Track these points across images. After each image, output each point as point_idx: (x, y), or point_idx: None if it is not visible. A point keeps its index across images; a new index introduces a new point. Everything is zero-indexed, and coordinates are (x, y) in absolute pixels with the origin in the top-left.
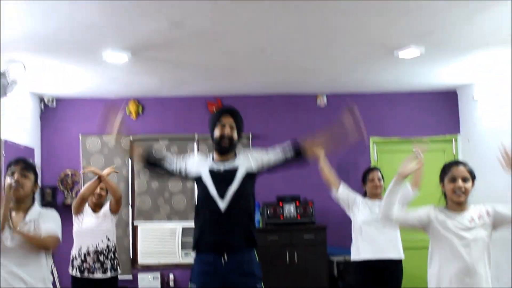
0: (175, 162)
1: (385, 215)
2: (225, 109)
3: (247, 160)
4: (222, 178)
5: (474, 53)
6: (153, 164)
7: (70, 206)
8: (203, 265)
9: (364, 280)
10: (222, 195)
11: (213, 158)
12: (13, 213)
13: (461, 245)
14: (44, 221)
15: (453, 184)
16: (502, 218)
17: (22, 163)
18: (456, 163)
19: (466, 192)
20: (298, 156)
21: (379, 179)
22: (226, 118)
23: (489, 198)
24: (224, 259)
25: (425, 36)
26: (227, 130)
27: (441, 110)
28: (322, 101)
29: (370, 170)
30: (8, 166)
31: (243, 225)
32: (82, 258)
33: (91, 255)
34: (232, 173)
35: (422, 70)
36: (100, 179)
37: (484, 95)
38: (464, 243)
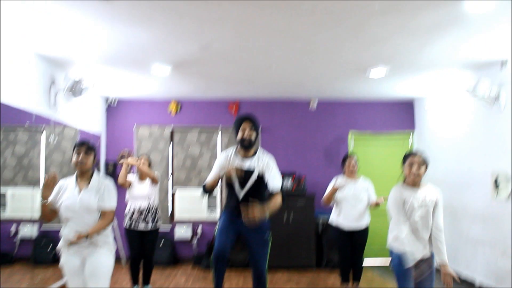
0: (216, 173)
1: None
2: (245, 116)
3: (261, 163)
4: (243, 175)
5: (425, 73)
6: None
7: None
8: (227, 217)
9: (339, 241)
10: (242, 187)
11: (237, 150)
12: (79, 181)
13: (418, 214)
14: (105, 194)
15: (410, 169)
16: (435, 212)
17: (85, 145)
18: (414, 153)
19: (419, 176)
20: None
21: (355, 162)
22: (246, 123)
23: (434, 179)
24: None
25: (390, 59)
26: (246, 133)
27: (401, 113)
28: (314, 105)
29: (348, 156)
30: (75, 147)
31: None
32: (130, 215)
33: (135, 213)
34: (249, 173)
35: (387, 84)
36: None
37: (432, 105)
38: (420, 212)
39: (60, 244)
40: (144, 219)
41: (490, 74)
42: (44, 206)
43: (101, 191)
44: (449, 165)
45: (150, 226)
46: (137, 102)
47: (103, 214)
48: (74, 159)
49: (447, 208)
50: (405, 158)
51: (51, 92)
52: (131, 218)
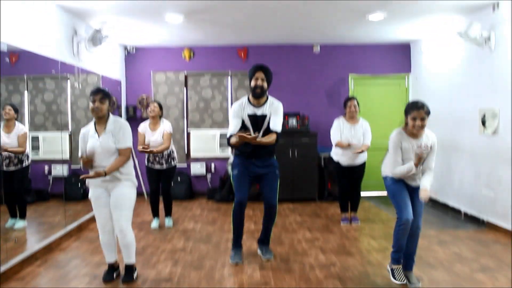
0: (236, 123)
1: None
2: (259, 66)
3: (272, 109)
4: (256, 121)
5: (421, 18)
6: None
7: (145, 118)
8: (242, 162)
9: (339, 174)
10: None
11: (249, 100)
12: (97, 126)
13: (410, 158)
14: (120, 135)
15: (414, 122)
16: (430, 155)
17: (100, 92)
18: (417, 106)
19: (422, 128)
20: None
21: (355, 106)
22: (259, 73)
23: (429, 119)
24: (254, 161)
25: (387, 5)
26: (259, 82)
27: (398, 56)
28: (317, 49)
29: (349, 99)
30: (90, 94)
31: (267, 148)
32: (147, 157)
33: (151, 157)
34: (263, 118)
35: (385, 28)
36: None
37: (428, 48)
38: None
39: (88, 179)
40: (159, 162)
41: (482, 17)
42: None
43: (116, 133)
44: (441, 104)
45: (165, 166)
46: (154, 49)
47: (120, 152)
48: (90, 105)
49: (438, 144)
50: (408, 110)
51: (74, 42)
52: (148, 159)
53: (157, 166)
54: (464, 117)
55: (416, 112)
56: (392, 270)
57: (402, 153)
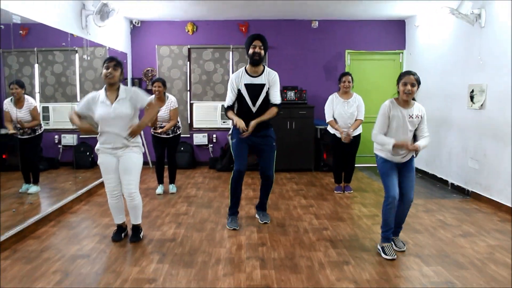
0: (233, 92)
1: (379, 142)
2: (256, 35)
3: (269, 80)
4: (253, 89)
5: None
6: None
7: (150, 90)
8: (240, 145)
9: (334, 146)
10: (254, 103)
11: (246, 70)
12: (108, 94)
13: (402, 130)
14: (139, 97)
15: (404, 87)
16: (419, 126)
17: (114, 60)
18: (408, 72)
19: (412, 94)
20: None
21: (349, 81)
22: (256, 41)
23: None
24: (255, 134)
25: None
26: (257, 49)
27: (393, 32)
28: (315, 24)
29: (343, 74)
30: (104, 62)
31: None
32: (153, 128)
33: (158, 128)
34: (260, 87)
35: (381, 4)
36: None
37: (422, 23)
38: (404, 128)
39: (97, 147)
40: (165, 132)
41: None
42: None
43: (133, 97)
44: (433, 80)
45: (170, 134)
46: (158, 22)
47: (147, 106)
48: (104, 71)
49: (429, 118)
50: (400, 76)
51: (83, 15)
52: (155, 128)
53: (163, 135)
54: (454, 92)
55: (407, 77)
56: (382, 248)
57: (392, 122)
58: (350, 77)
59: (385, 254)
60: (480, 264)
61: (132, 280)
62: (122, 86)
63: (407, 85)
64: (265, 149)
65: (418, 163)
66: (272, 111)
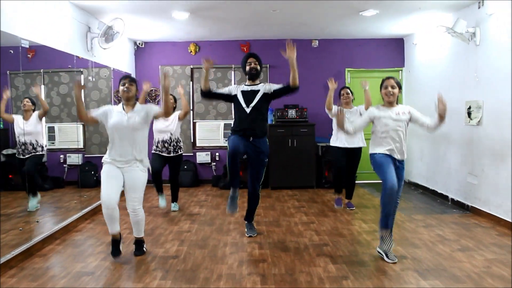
0: (224, 90)
1: (346, 131)
2: (249, 54)
3: (264, 87)
4: (248, 95)
5: (413, 15)
6: (209, 94)
7: None
8: (236, 138)
9: (337, 157)
10: (247, 105)
11: (245, 84)
12: (125, 107)
13: (391, 128)
14: (153, 107)
15: (386, 90)
16: (415, 118)
17: (128, 77)
18: (388, 77)
19: (393, 95)
20: (289, 87)
21: (347, 93)
22: (250, 59)
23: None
24: (249, 140)
25: (379, 4)
26: (253, 65)
27: (392, 51)
28: (316, 43)
29: (342, 88)
30: (121, 79)
31: (259, 122)
32: (156, 144)
33: (160, 144)
34: (255, 93)
35: (379, 24)
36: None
37: (420, 41)
38: (393, 126)
39: (104, 158)
40: (167, 149)
41: (468, 14)
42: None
43: (146, 110)
44: (431, 96)
45: (172, 154)
46: (161, 43)
47: (160, 113)
48: (121, 88)
49: (427, 135)
50: (382, 83)
51: (88, 38)
52: (157, 146)
53: (164, 154)
54: (452, 109)
55: (387, 81)
56: (384, 251)
57: (380, 122)
58: (348, 90)
59: (388, 257)
60: (477, 278)
61: None
62: (138, 103)
63: (388, 87)
64: (257, 163)
65: (418, 179)
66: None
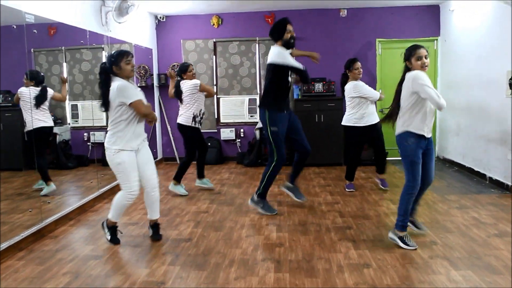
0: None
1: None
2: (287, 20)
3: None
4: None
5: None
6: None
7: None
8: (280, 117)
9: (361, 138)
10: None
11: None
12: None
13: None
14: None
15: (421, 61)
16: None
17: (131, 53)
18: (418, 46)
19: (428, 65)
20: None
21: (361, 67)
22: (289, 26)
23: (458, 82)
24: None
25: None
26: (293, 33)
27: (427, 19)
28: (344, 13)
29: (353, 60)
30: (124, 56)
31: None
32: (193, 117)
33: (199, 115)
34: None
35: None
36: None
37: (458, 6)
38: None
39: (119, 147)
40: (200, 122)
41: None
42: None
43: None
44: (469, 67)
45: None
46: (183, 17)
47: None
48: (128, 67)
49: (466, 107)
50: (410, 52)
51: (102, 12)
52: (194, 119)
53: (198, 125)
54: (491, 80)
55: (419, 50)
56: (401, 238)
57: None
58: (360, 63)
59: (407, 244)
60: None
61: (141, 283)
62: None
63: (423, 58)
64: (296, 124)
65: (454, 155)
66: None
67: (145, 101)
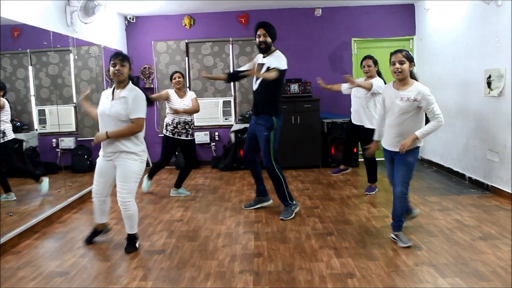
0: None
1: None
2: (258, 23)
3: (271, 61)
4: (260, 69)
5: None
6: (235, 75)
7: (148, 88)
8: (280, 123)
9: (349, 128)
10: (255, 81)
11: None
12: (115, 91)
13: (397, 112)
14: (132, 105)
15: (393, 67)
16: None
17: (120, 55)
18: (396, 51)
19: (402, 71)
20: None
21: (368, 66)
22: (260, 30)
23: (434, 82)
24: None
25: None
26: (261, 38)
27: (402, 18)
28: (319, 12)
29: (364, 58)
30: (110, 58)
31: (262, 99)
32: (174, 126)
33: (180, 125)
34: (261, 66)
35: None
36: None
37: (433, 5)
38: (392, 108)
39: (100, 152)
40: (186, 131)
41: None
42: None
43: (129, 102)
44: (446, 66)
45: (189, 137)
46: (154, 17)
47: (131, 121)
48: (111, 69)
49: (443, 107)
50: (390, 58)
51: (67, 12)
52: (175, 128)
53: (183, 136)
54: (469, 79)
55: (394, 55)
56: (397, 236)
57: (386, 102)
58: (370, 61)
59: (403, 242)
60: (504, 274)
61: None
62: (130, 85)
63: (395, 64)
64: (258, 138)
65: (432, 156)
66: (271, 72)
67: (102, 109)
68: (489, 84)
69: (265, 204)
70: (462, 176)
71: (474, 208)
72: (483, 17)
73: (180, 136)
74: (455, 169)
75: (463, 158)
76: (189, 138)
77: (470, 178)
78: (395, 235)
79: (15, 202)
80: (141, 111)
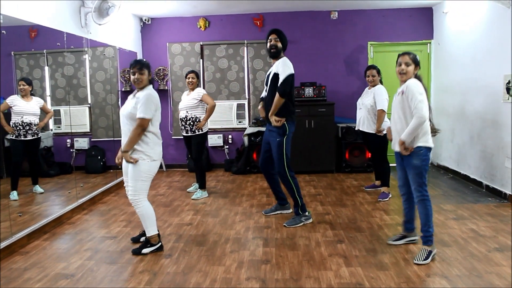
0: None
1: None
2: (271, 30)
3: (277, 66)
4: (267, 78)
5: None
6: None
7: (163, 90)
8: (293, 129)
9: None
10: (266, 90)
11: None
12: (137, 93)
13: (395, 108)
14: (139, 104)
15: (399, 67)
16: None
17: (138, 64)
18: (403, 53)
19: (407, 73)
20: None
21: (373, 75)
22: (271, 35)
23: (451, 87)
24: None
25: None
26: (272, 42)
27: (420, 21)
28: (335, 15)
29: (367, 68)
30: (130, 66)
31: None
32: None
33: (179, 121)
34: (269, 74)
35: None
36: None
37: (452, 9)
38: (396, 104)
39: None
40: (185, 127)
41: None
42: None
43: (139, 102)
44: (464, 71)
45: (189, 133)
46: (169, 19)
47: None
48: (131, 77)
49: (458, 113)
50: (397, 59)
51: (81, 13)
52: (180, 126)
53: (183, 133)
54: (487, 84)
55: (401, 57)
56: (430, 252)
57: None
58: (374, 71)
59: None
60: None
61: None
62: (148, 86)
63: (401, 64)
64: (271, 144)
65: (448, 162)
66: (275, 100)
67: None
68: (508, 89)
69: (284, 212)
70: (479, 184)
71: (491, 218)
72: (502, 21)
73: (183, 132)
74: (472, 176)
75: (480, 165)
76: (189, 134)
77: (487, 186)
78: (427, 251)
79: (25, 202)
80: (145, 112)
